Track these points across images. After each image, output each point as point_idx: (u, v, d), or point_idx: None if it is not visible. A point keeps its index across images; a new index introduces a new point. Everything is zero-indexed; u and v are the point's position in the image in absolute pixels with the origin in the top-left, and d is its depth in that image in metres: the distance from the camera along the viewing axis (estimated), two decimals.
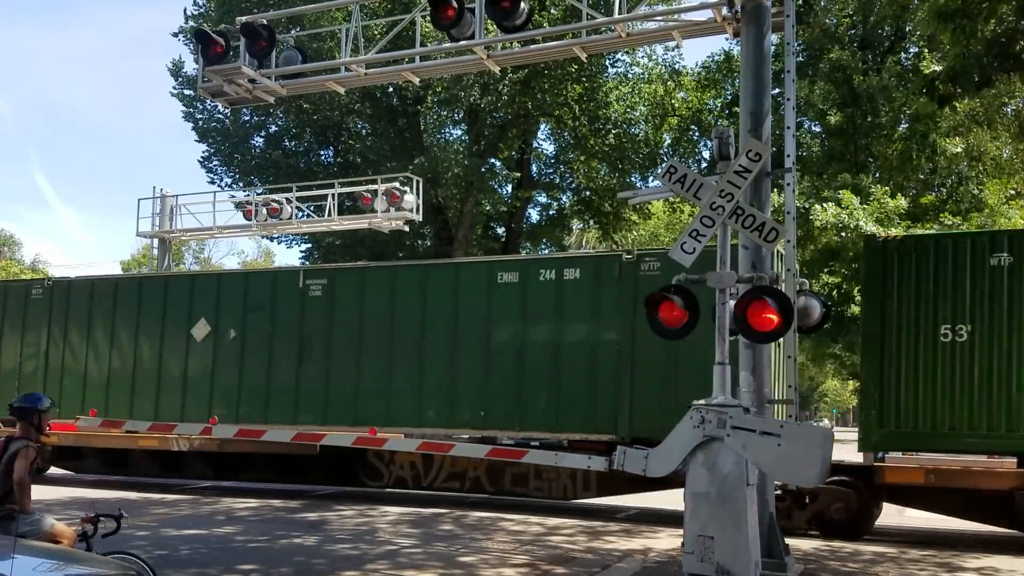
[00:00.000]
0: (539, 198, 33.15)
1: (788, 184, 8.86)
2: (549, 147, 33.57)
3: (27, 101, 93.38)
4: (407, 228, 22.09)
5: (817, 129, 28.34)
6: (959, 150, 25.59)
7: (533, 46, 11.97)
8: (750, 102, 9.16)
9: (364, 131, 29.71)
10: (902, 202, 22.53)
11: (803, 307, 8.31)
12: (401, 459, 14.46)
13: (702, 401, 6.87)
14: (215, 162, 30.61)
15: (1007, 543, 11.38)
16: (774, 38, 10.37)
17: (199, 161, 30.62)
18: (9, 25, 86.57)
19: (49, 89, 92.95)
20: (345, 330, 14.71)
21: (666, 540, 10.98)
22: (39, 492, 7.70)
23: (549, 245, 34.26)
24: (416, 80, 12.92)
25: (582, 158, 30.30)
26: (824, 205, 21.55)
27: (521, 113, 27.96)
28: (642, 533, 11.68)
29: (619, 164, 29.71)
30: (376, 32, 20.07)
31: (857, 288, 20.78)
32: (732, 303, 7.18)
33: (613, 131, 29.37)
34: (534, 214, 33.69)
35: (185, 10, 28.64)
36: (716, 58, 30.96)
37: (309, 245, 31.07)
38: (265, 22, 12.09)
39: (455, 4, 10.73)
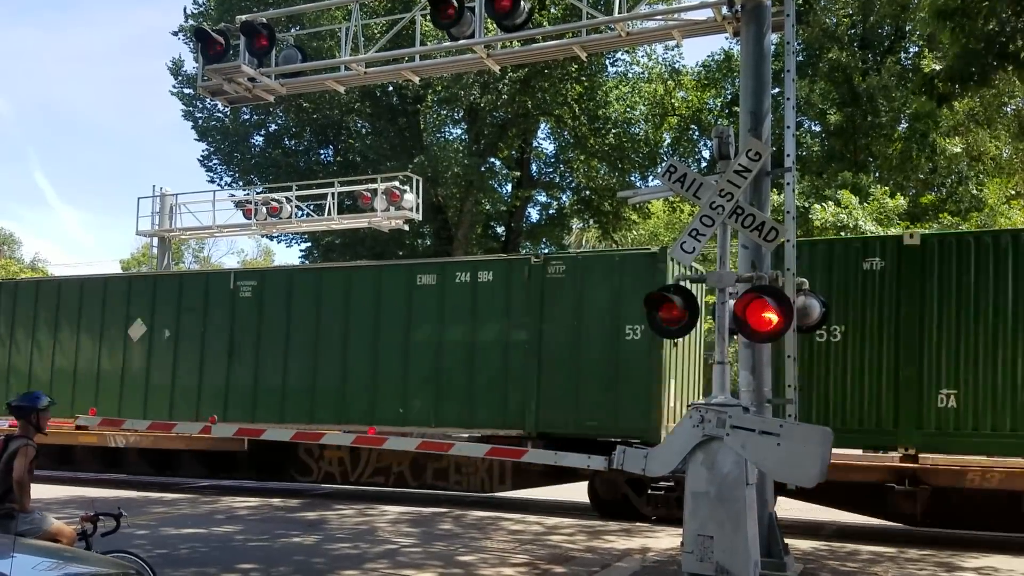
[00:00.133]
0: (539, 197, 33.17)
1: (788, 184, 8.85)
2: (549, 146, 33.62)
3: (27, 100, 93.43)
4: (407, 227, 22.11)
5: (817, 129, 28.36)
6: (959, 150, 25.62)
7: (533, 45, 11.96)
8: (750, 101, 9.15)
9: (364, 130, 29.71)
10: (901, 202, 22.55)
11: (802, 306, 8.31)
12: (330, 455, 14.85)
13: (702, 400, 6.87)
14: (215, 161, 30.62)
15: (1006, 543, 11.38)
16: (774, 37, 10.35)
17: (199, 160, 30.66)
18: (9, 24, 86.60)
19: (49, 88, 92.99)
20: (273, 330, 15.15)
21: (665, 539, 10.98)
22: (38, 491, 7.70)
23: (549, 244, 34.28)
24: (416, 79, 12.90)
25: (582, 157, 30.31)
26: (824, 204, 21.57)
27: (521, 112, 27.96)
28: (642, 532, 11.68)
29: (619, 163, 29.73)
30: (376, 31, 20.07)
31: None
32: (732, 302, 7.18)
33: (613, 130, 29.38)
34: (534, 213, 33.74)
35: (185, 9, 28.66)
36: (716, 57, 31.02)
37: (309, 244, 31.09)
38: (265, 21, 12.08)
39: (455, 3, 10.72)
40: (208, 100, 25.09)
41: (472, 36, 11.01)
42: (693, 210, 13.25)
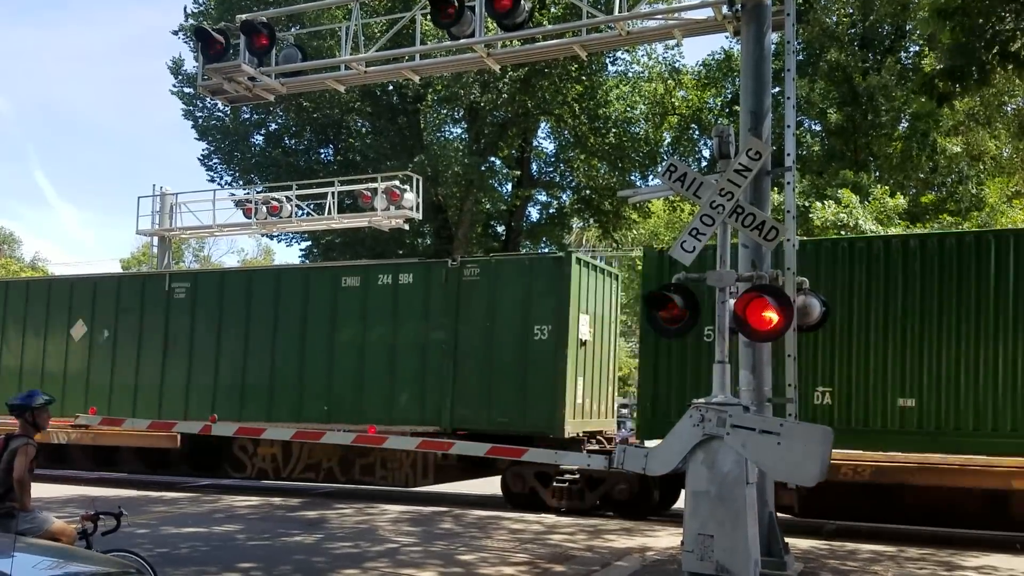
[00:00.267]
0: (539, 197, 33.14)
1: (788, 183, 8.85)
2: (549, 145, 33.58)
3: (27, 99, 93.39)
4: (407, 226, 22.11)
5: (817, 128, 28.34)
6: (959, 149, 25.60)
7: (533, 44, 11.96)
8: (750, 101, 9.16)
9: (364, 129, 29.70)
10: (901, 201, 22.54)
11: (803, 306, 8.31)
12: (263, 452, 15.29)
13: (702, 400, 6.87)
14: (215, 160, 30.59)
15: (1006, 542, 11.39)
16: (774, 36, 10.35)
17: (199, 159, 30.63)
18: (9, 23, 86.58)
19: (49, 87, 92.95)
20: (205, 330, 15.72)
21: (665, 538, 10.99)
22: (39, 490, 7.70)
23: (549, 244, 34.27)
24: (416, 78, 12.90)
25: (582, 156, 30.29)
26: (824, 203, 21.55)
27: (521, 111, 27.94)
28: (642, 531, 11.69)
29: (619, 163, 29.70)
30: (376, 30, 20.06)
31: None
32: (732, 301, 7.17)
33: (613, 130, 29.36)
34: (534, 213, 33.70)
35: (185, 8, 28.63)
36: (716, 57, 30.97)
37: (309, 243, 31.07)
38: (265, 20, 12.08)
39: (455, 2, 10.72)
40: (208, 99, 25.05)
41: (472, 35, 11.00)
42: (693, 209, 13.26)
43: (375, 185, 20.13)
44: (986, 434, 11.01)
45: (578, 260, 14.01)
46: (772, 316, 6.88)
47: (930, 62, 22.70)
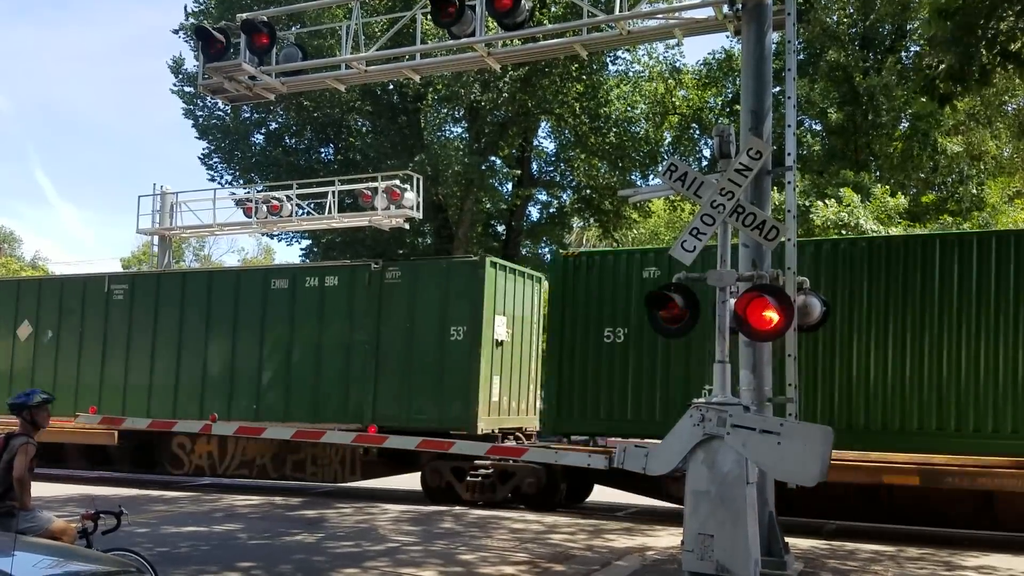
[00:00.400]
0: (539, 196, 33.14)
1: (789, 182, 8.85)
2: (550, 145, 33.58)
3: (27, 98, 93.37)
4: (407, 226, 22.11)
5: (818, 128, 28.32)
6: (959, 149, 25.57)
7: (534, 44, 11.96)
8: (751, 100, 9.15)
9: (364, 128, 29.69)
10: (902, 200, 22.52)
11: (803, 305, 8.30)
12: (200, 449, 15.67)
13: (702, 399, 6.86)
14: (215, 159, 30.60)
15: (1006, 542, 11.39)
16: (775, 36, 10.35)
17: (199, 158, 30.64)
18: (9, 23, 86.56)
19: (49, 86, 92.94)
20: (142, 331, 16.21)
21: (666, 538, 10.99)
22: (39, 489, 7.69)
23: (549, 243, 34.26)
24: (417, 77, 12.90)
25: (582, 156, 30.28)
26: (825, 202, 21.53)
27: (521, 111, 27.94)
28: (642, 531, 11.69)
29: (619, 162, 29.70)
30: (377, 29, 20.06)
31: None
32: (732, 301, 7.17)
33: (614, 129, 29.36)
34: (534, 212, 33.70)
35: (186, 7, 28.61)
36: (717, 56, 30.96)
37: (309, 242, 31.08)
38: (266, 19, 12.07)
39: (456, 2, 10.71)
40: (209, 98, 25.10)
41: (473, 34, 11.00)
42: (694, 209, 13.32)
43: (375, 184, 20.13)
44: (858, 431, 11.73)
45: (493, 264, 14.52)
46: (772, 316, 6.88)
47: (930, 62, 22.68)
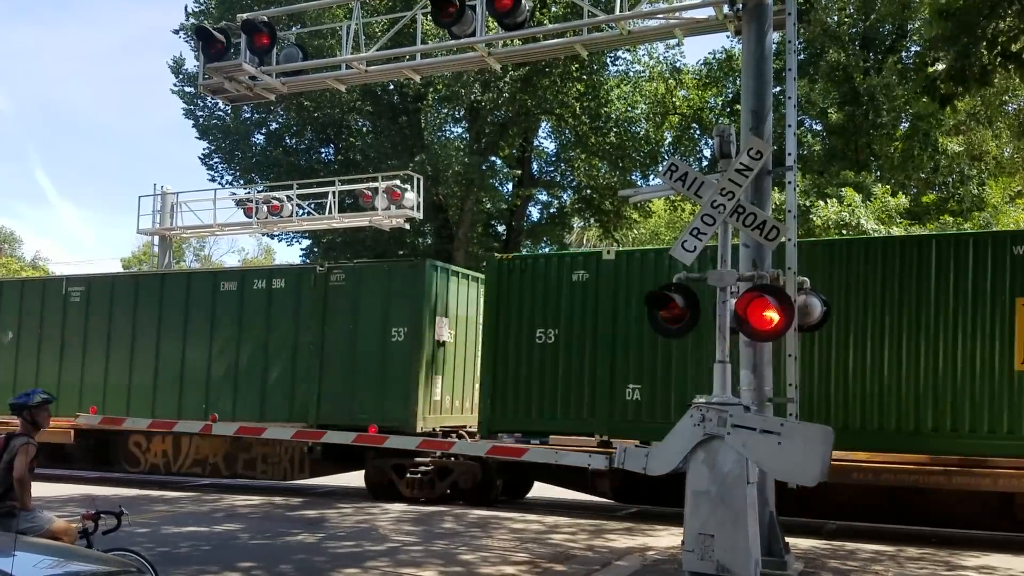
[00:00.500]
0: (540, 196, 33.13)
1: (789, 182, 8.85)
2: (550, 145, 33.57)
3: (27, 98, 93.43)
4: (408, 226, 22.12)
5: (818, 128, 28.32)
6: (960, 149, 25.56)
7: (534, 44, 11.95)
8: (751, 100, 9.15)
9: (365, 129, 29.69)
10: (903, 200, 22.52)
11: (803, 305, 8.30)
12: (156, 447, 16.02)
13: (703, 399, 6.86)
14: (216, 159, 30.60)
15: (1005, 542, 11.39)
16: (775, 36, 10.35)
17: (200, 158, 30.64)
18: (9, 23, 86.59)
19: (49, 86, 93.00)
20: (98, 331, 16.58)
21: (666, 538, 10.99)
22: (40, 489, 7.69)
23: (550, 243, 34.25)
24: (417, 77, 12.90)
25: (583, 156, 30.28)
26: (826, 202, 21.52)
27: (522, 111, 27.94)
28: (643, 531, 11.69)
29: (620, 162, 29.69)
30: (377, 29, 20.05)
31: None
32: (732, 301, 7.17)
33: (614, 129, 29.35)
34: (535, 212, 33.70)
35: (186, 7, 28.71)
36: (717, 56, 30.95)
37: (310, 242, 31.08)
38: (266, 19, 12.08)
39: (456, 2, 10.71)
40: (209, 99, 25.11)
41: (473, 35, 11.00)
42: (694, 209, 13.35)
43: (376, 184, 20.13)
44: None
45: (434, 266, 14.92)
46: (773, 316, 6.88)
47: (930, 62, 22.65)
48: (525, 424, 13.48)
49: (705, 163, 29.74)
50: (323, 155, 31.14)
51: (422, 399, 14.19)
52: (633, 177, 30.34)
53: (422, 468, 14.10)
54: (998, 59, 10.12)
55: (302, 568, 8.86)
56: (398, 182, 20.12)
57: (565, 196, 32.92)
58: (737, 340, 8.49)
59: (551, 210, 33.51)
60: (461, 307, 15.29)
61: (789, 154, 8.81)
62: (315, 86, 14.10)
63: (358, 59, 12.03)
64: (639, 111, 30.31)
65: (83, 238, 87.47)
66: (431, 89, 27.14)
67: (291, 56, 12.34)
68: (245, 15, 12.19)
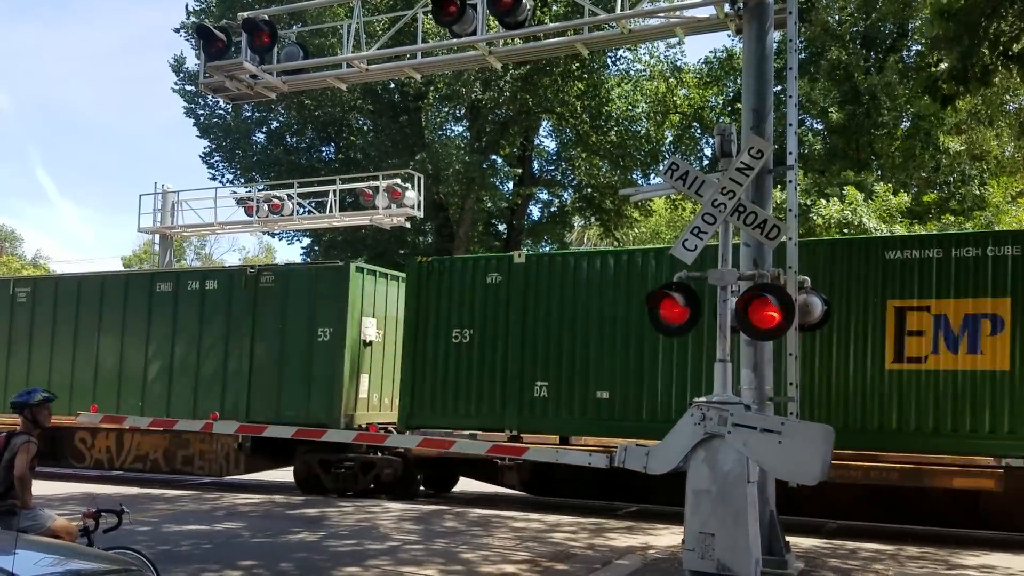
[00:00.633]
0: (540, 195, 33.14)
1: (790, 181, 8.85)
2: (551, 144, 33.57)
3: (28, 97, 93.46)
4: (408, 225, 22.12)
5: (819, 127, 28.30)
6: (961, 148, 25.52)
7: (535, 42, 11.95)
8: (752, 99, 9.14)
9: (365, 127, 29.69)
10: (905, 199, 22.50)
11: (804, 304, 8.30)
12: (100, 443, 16.43)
13: (703, 398, 6.86)
14: (216, 158, 30.60)
15: (1005, 541, 11.40)
16: (776, 35, 10.34)
17: (200, 157, 30.65)
18: (10, 22, 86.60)
19: (50, 85, 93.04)
20: (42, 332, 17.19)
21: (667, 537, 10.99)
22: (40, 487, 7.71)
23: (550, 242, 34.24)
24: (418, 76, 12.90)
25: (583, 155, 30.27)
26: (828, 201, 21.50)
27: (523, 110, 27.93)
28: (644, 530, 11.69)
29: (621, 161, 29.68)
30: (378, 28, 20.06)
31: None
32: (733, 300, 7.17)
33: (615, 128, 29.34)
34: (535, 211, 33.70)
35: (187, 6, 28.71)
36: (718, 55, 30.93)
37: (310, 241, 31.09)
38: (267, 18, 12.07)
39: (457, 0, 10.71)
40: (210, 97, 25.09)
41: (474, 33, 10.99)
42: (695, 208, 13.38)
43: (376, 183, 20.12)
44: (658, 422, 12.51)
45: (360, 269, 15.45)
46: (774, 315, 6.87)
47: (934, 59, 22.61)
48: (441, 419, 13.96)
49: (706, 162, 29.73)
50: (324, 154, 31.14)
51: (347, 396, 14.72)
52: (634, 176, 30.33)
53: (347, 463, 14.65)
54: (999, 59, 10.11)
55: (303, 566, 8.86)
56: (399, 181, 20.12)
57: (566, 195, 32.91)
58: (737, 339, 8.49)
59: (552, 209, 33.51)
60: (390, 308, 15.72)
61: (790, 153, 8.81)
62: (316, 85, 14.09)
63: (359, 58, 12.03)
64: (640, 110, 30.29)
65: (84, 237, 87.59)
66: (432, 88, 27.13)
67: (292, 55, 12.33)
68: (246, 14, 12.18)
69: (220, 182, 30.05)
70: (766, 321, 6.92)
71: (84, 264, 58.68)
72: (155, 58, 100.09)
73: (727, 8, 9.90)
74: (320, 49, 21.74)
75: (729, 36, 25.79)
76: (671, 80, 31.05)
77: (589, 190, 31.33)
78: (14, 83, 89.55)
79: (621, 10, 10.53)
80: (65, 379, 16.60)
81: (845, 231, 20.58)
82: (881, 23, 27.73)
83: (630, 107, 29.91)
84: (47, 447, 16.56)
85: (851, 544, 10.86)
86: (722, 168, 7.57)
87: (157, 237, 22.29)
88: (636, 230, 36.98)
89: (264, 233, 30.59)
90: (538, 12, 22.17)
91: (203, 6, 28.15)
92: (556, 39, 12.06)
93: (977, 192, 25.17)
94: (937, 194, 26.18)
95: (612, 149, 29.31)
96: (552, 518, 12.57)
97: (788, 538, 8.79)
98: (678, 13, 10.78)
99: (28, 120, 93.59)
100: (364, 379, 15.15)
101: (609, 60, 29.33)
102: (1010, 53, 10.13)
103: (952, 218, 23.39)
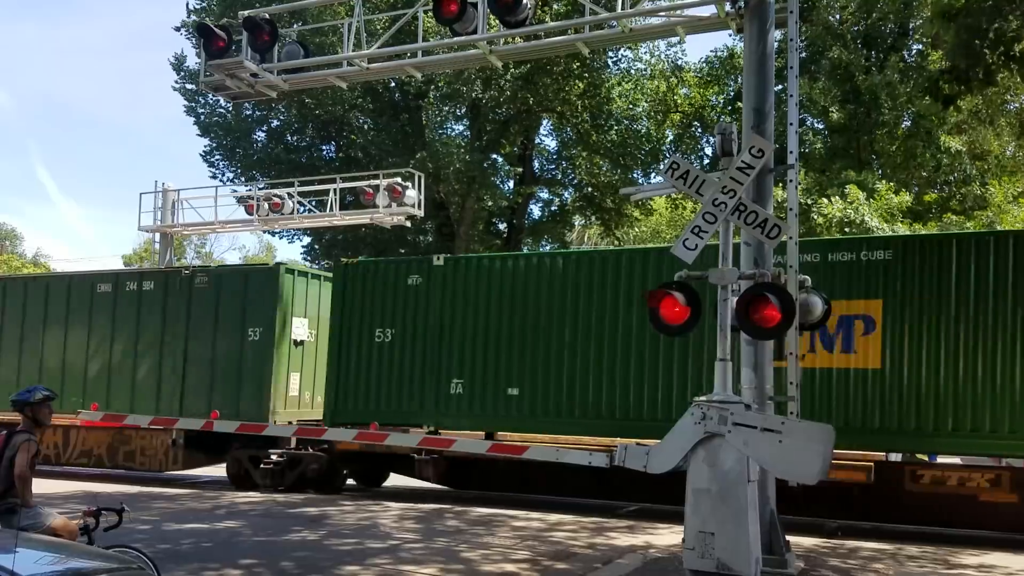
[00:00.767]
0: (541, 194, 33.12)
1: (791, 180, 8.85)
2: (551, 143, 33.56)
3: (28, 94, 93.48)
4: (409, 224, 22.08)
5: (820, 126, 28.28)
6: (962, 148, 25.49)
7: (536, 41, 11.94)
8: (753, 98, 9.14)
9: (366, 126, 29.67)
10: (906, 198, 22.48)
11: (804, 304, 8.30)
12: (47, 439, 16.53)
13: (703, 397, 6.86)
14: (217, 156, 30.58)
15: (1004, 541, 11.40)
16: (777, 34, 10.33)
17: (201, 155, 30.63)
18: (10, 18, 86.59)
19: (50, 82, 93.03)
20: None
21: (668, 536, 11.00)
22: (41, 486, 7.71)
23: (551, 241, 34.23)
24: (418, 75, 12.90)
25: (584, 154, 30.26)
26: (830, 199, 21.48)
27: (523, 108, 27.92)
28: (644, 529, 11.70)
29: (621, 160, 29.67)
30: (379, 27, 20.04)
31: None
32: (734, 299, 7.16)
33: (615, 127, 29.33)
34: (536, 210, 33.68)
35: (187, 4, 28.66)
36: (719, 54, 30.92)
37: (311, 239, 31.08)
38: (267, 16, 12.06)
39: None
40: (210, 96, 25.09)
41: (475, 32, 10.98)
42: (695, 207, 13.39)
43: (377, 182, 20.09)
44: (577, 418, 13.39)
45: (290, 270, 16.12)
46: (774, 314, 6.87)
47: (936, 58, 22.57)
48: (364, 415, 14.49)
49: (706, 161, 29.71)
50: (324, 152, 31.12)
51: (276, 394, 15.34)
52: (634, 175, 30.32)
53: (275, 459, 15.14)
54: (1001, 59, 10.11)
55: (303, 565, 8.86)
56: (399, 180, 20.09)
57: (566, 194, 32.90)
58: (738, 338, 8.49)
59: (552, 208, 33.49)
60: (324, 309, 16.01)
61: (791, 152, 8.80)
62: (316, 83, 14.08)
63: (359, 56, 12.02)
64: (641, 109, 30.28)
65: (84, 235, 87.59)
66: (432, 86, 27.11)
67: (292, 53, 12.32)
68: (246, 12, 12.17)
69: (220, 181, 30.05)
70: (766, 320, 6.91)
71: (84, 262, 58.75)
72: (156, 54, 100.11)
73: (728, 7, 9.89)
74: (321, 48, 21.72)
75: (730, 35, 25.84)
76: (672, 79, 31.03)
77: (590, 189, 31.31)
78: (14, 79, 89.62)
79: (622, 9, 10.51)
80: (10, 378, 16.99)
81: (847, 230, 20.56)
82: (882, 22, 27.70)
83: (631, 106, 29.90)
84: None
85: (851, 543, 10.87)
86: (723, 167, 7.57)
87: (158, 235, 22.27)
88: (637, 229, 36.98)
89: (264, 232, 30.58)
90: (539, 11, 22.14)
91: (204, 4, 28.12)
92: (557, 38, 12.05)
93: (978, 192, 25.14)
94: (938, 194, 26.16)
95: (613, 148, 29.29)
96: (553, 517, 12.57)
97: (788, 537, 8.79)
98: (679, 12, 10.76)
99: (28, 117, 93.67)
100: (295, 377, 15.84)
101: (610, 59, 29.32)
102: (1012, 53, 10.12)
103: (954, 218, 23.37)
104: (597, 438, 13.19)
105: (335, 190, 20.84)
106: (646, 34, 12.03)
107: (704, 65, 31.36)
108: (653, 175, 30.33)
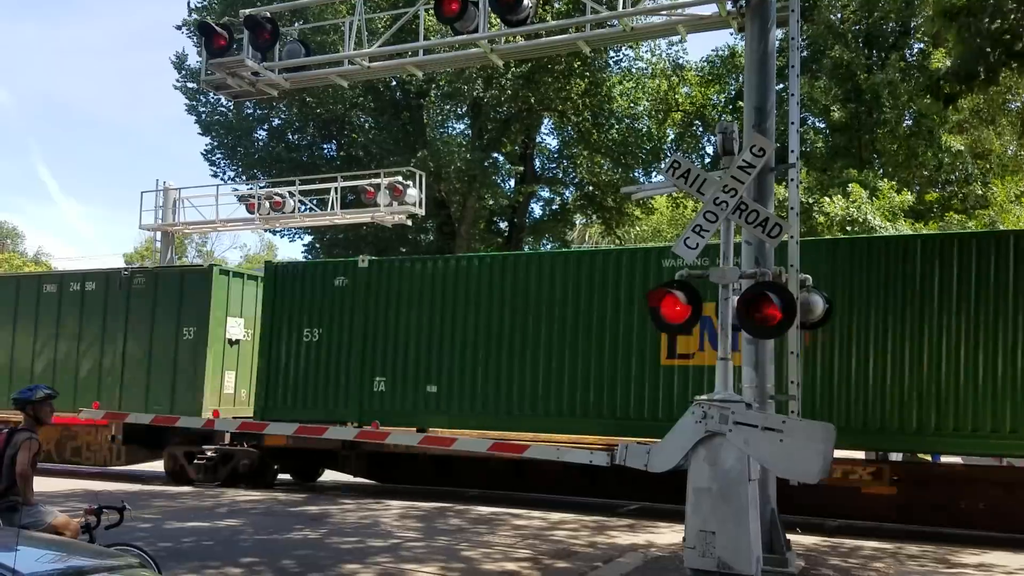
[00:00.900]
0: (542, 193, 33.13)
1: (792, 179, 8.84)
2: (552, 142, 33.57)
3: (29, 93, 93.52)
4: (410, 222, 22.10)
5: (821, 125, 28.26)
6: (963, 148, 25.46)
7: (537, 40, 11.93)
8: (754, 97, 9.13)
9: (367, 125, 29.68)
10: (908, 197, 22.46)
11: (805, 303, 8.30)
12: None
13: (704, 396, 6.86)
14: (218, 155, 30.61)
15: (1004, 541, 11.40)
16: (778, 33, 10.33)
17: (202, 154, 30.67)
18: (11, 17, 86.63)
19: (51, 81, 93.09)
20: None
21: (668, 535, 11.00)
22: (42, 484, 7.71)
23: (552, 240, 34.23)
24: (419, 73, 12.90)
25: (585, 153, 30.26)
26: (832, 198, 21.46)
27: (524, 107, 27.92)
28: (645, 528, 11.70)
29: (622, 159, 29.68)
30: (380, 25, 20.04)
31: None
32: (735, 298, 7.17)
33: (616, 126, 29.33)
34: (537, 209, 33.70)
35: (188, 3, 28.69)
36: (720, 53, 30.91)
37: (312, 238, 31.10)
38: (268, 15, 12.06)
39: None
40: (212, 94, 25.10)
41: (476, 31, 10.98)
42: (697, 206, 13.39)
43: (378, 181, 20.10)
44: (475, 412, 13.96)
45: (224, 272, 16.72)
46: (775, 313, 6.87)
47: (939, 56, 22.53)
48: (292, 412, 14.83)
49: (708, 160, 29.71)
50: (325, 151, 31.14)
51: (209, 391, 15.87)
52: (636, 174, 30.32)
53: (208, 455, 15.52)
54: (1003, 57, 10.10)
55: (304, 563, 8.87)
56: (400, 178, 20.11)
57: (567, 193, 32.91)
58: (739, 337, 8.49)
59: (553, 207, 33.50)
60: (259, 308, 16.30)
61: (792, 151, 8.79)
62: (317, 82, 14.09)
63: (361, 55, 12.02)
64: (642, 108, 30.27)
65: (85, 234, 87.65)
66: (433, 85, 27.12)
67: (294, 52, 12.32)
68: (248, 11, 12.17)
69: (222, 179, 30.09)
70: (767, 320, 6.92)
71: (85, 261, 58.79)
72: (156, 54, 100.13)
73: (729, 6, 9.88)
74: (322, 46, 21.74)
75: (731, 34, 25.84)
76: (673, 78, 31.02)
77: (591, 188, 31.32)
78: (14, 79, 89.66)
79: (623, 8, 10.51)
80: None
81: (848, 229, 20.54)
82: (883, 21, 27.67)
83: (632, 105, 29.89)
84: None
85: (851, 542, 10.86)
86: (724, 166, 7.57)
87: (159, 234, 22.28)
88: (638, 228, 36.97)
89: (265, 230, 30.59)
90: (540, 9, 22.15)
91: (205, 3, 28.13)
92: (558, 37, 12.06)
93: (980, 191, 25.12)
94: (939, 193, 26.13)
95: (614, 147, 29.30)
96: (555, 516, 12.58)
97: (789, 536, 8.79)
98: (680, 11, 10.76)
99: (29, 115, 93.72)
100: (230, 375, 16.40)
101: (611, 58, 29.31)
102: (1013, 52, 10.11)
103: (956, 217, 23.35)
104: (504, 433, 13.63)
105: (336, 189, 20.85)
106: (647, 33, 12.03)
107: (705, 64, 31.35)
108: (654, 174, 30.33)
